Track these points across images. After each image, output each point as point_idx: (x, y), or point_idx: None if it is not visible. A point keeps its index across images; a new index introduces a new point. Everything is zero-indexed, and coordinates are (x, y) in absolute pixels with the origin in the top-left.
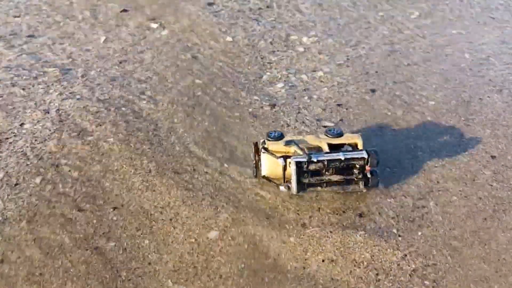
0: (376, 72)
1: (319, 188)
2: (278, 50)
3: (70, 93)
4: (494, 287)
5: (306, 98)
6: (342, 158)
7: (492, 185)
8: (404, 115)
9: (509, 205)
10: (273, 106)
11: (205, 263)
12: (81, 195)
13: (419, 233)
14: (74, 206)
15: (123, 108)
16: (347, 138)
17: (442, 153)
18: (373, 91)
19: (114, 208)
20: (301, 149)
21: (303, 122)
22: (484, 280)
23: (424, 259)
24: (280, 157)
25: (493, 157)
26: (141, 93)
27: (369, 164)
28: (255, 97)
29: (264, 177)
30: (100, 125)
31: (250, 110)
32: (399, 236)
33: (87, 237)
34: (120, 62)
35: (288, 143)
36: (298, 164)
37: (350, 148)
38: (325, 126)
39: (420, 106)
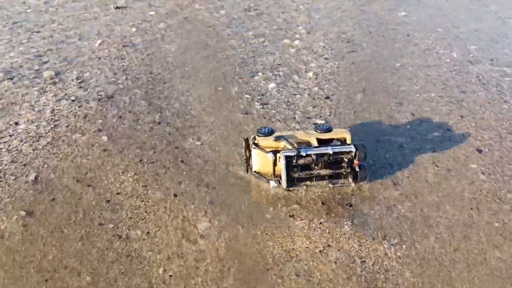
0: (368, 71)
1: (308, 182)
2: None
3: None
4: (476, 276)
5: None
6: (331, 152)
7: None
8: (393, 111)
9: (493, 197)
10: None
11: (199, 253)
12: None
13: (406, 223)
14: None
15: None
16: (336, 133)
17: (429, 147)
18: (364, 89)
19: (108, 201)
20: (291, 144)
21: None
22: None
23: (410, 247)
24: (270, 151)
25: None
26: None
27: (357, 157)
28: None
29: (255, 172)
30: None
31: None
32: (386, 226)
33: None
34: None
35: (278, 138)
36: (288, 159)
37: (338, 143)
38: (315, 124)
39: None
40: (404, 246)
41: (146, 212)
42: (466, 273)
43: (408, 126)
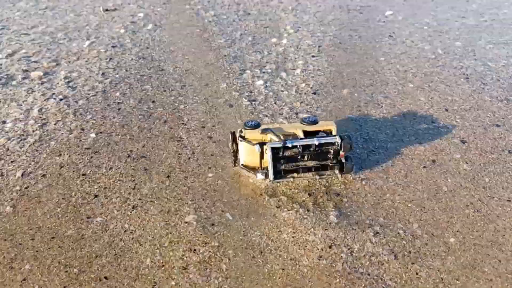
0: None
1: (295, 174)
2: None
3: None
4: (460, 258)
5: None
6: (316, 143)
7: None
8: (379, 105)
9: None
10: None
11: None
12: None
13: (391, 212)
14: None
15: None
16: (322, 125)
17: (414, 139)
18: (350, 85)
19: (96, 196)
20: (277, 136)
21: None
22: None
23: (396, 234)
24: (257, 144)
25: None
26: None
27: (342, 148)
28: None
29: (242, 165)
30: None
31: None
32: (371, 215)
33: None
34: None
35: (264, 130)
36: (274, 150)
37: (324, 135)
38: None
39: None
40: (388, 233)
41: (133, 207)
42: (446, 255)
43: (394, 119)
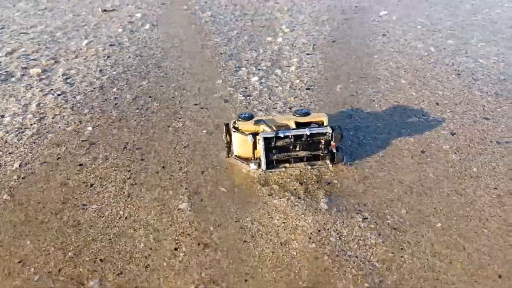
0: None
1: (287, 164)
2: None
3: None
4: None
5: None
6: (308, 133)
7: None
8: (371, 100)
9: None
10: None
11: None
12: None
13: (379, 199)
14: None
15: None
16: (314, 117)
17: (405, 131)
18: (343, 81)
19: (92, 185)
20: (269, 127)
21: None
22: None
23: (384, 220)
24: (250, 134)
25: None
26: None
27: (333, 139)
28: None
29: (236, 156)
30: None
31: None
32: (361, 202)
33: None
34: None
35: (257, 122)
36: (266, 140)
37: (316, 126)
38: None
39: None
40: (377, 219)
41: (129, 197)
42: (432, 237)
43: (385, 113)
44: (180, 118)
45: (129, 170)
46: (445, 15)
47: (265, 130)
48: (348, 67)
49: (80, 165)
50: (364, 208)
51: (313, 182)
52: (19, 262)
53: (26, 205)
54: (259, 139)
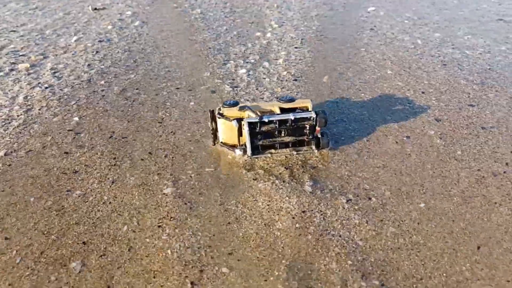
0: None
1: (273, 150)
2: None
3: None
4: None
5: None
6: (292, 118)
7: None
8: (357, 90)
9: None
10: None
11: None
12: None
13: (364, 182)
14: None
15: None
16: (298, 103)
17: (390, 118)
18: (330, 72)
19: (76, 172)
20: (254, 112)
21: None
22: (418, 220)
23: (368, 201)
24: (234, 119)
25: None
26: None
27: (317, 123)
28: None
29: (222, 143)
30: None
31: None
32: (345, 185)
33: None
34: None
35: (242, 108)
36: (251, 125)
37: (301, 111)
38: None
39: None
40: (361, 200)
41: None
42: (415, 216)
43: (371, 102)
44: (167, 109)
45: (114, 158)
46: (432, 10)
47: (250, 116)
48: (335, 60)
49: (66, 153)
50: (349, 190)
51: (298, 167)
52: (4, 240)
53: (10, 191)
54: (243, 125)
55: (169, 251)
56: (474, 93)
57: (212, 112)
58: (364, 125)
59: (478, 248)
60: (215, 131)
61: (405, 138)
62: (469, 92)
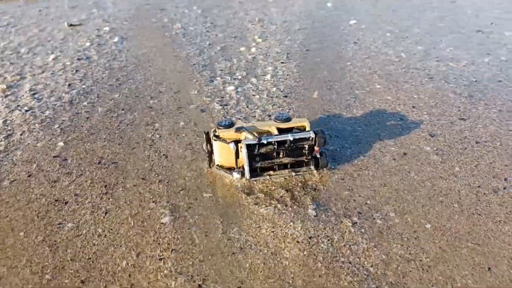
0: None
1: (271, 172)
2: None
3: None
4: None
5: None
6: (291, 139)
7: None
8: (348, 105)
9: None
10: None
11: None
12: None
13: (367, 202)
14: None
15: None
16: (295, 122)
17: (385, 134)
18: (322, 88)
19: (66, 203)
20: (251, 133)
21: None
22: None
23: (374, 223)
24: (232, 141)
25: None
26: None
27: (316, 144)
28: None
29: (218, 166)
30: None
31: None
32: (349, 207)
33: None
34: None
35: (238, 129)
36: (249, 147)
37: (298, 131)
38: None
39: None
40: (366, 223)
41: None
42: (423, 238)
43: (364, 117)
44: (156, 130)
45: (106, 185)
46: (411, 22)
47: (247, 137)
48: (323, 74)
49: (53, 181)
50: (353, 212)
51: (298, 189)
52: None
53: None
54: (241, 147)
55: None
56: (463, 106)
57: (207, 133)
58: (360, 142)
59: (489, 269)
60: (210, 154)
61: (402, 155)
62: (459, 105)
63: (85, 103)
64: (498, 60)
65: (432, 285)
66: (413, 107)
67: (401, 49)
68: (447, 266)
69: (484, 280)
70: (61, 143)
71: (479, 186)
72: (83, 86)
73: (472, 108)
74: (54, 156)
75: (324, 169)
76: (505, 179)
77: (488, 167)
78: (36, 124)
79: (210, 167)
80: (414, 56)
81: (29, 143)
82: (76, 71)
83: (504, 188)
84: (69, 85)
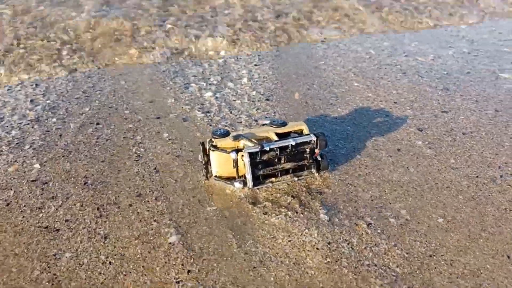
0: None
1: (273, 179)
2: None
3: None
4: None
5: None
6: (293, 143)
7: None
8: (331, 105)
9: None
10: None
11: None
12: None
13: (376, 201)
14: None
15: None
16: (292, 126)
17: (375, 131)
18: (302, 89)
19: (58, 230)
20: (251, 141)
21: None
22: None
23: (388, 222)
24: (233, 151)
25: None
26: None
27: (318, 146)
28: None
29: (216, 177)
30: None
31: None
32: (359, 207)
33: None
34: None
35: (236, 137)
36: (251, 155)
37: (296, 135)
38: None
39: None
40: (381, 222)
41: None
42: (437, 231)
43: (350, 116)
44: (139, 143)
45: (98, 208)
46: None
47: (246, 145)
48: (299, 75)
49: (38, 208)
50: (364, 213)
51: (304, 194)
52: None
53: None
54: (242, 156)
55: None
56: (442, 99)
57: (203, 144)
58: (352, 141)
59: (508, 257)
60: (206, 165)
61: (396, 151)
62: (437, 98)
63: (54, 120)
64: (461, 52)
65: (459, 278)
66: (395, 102)
67: (368, 45)
68: (469, 258)
69: (507, 268)
70: (37, 165)
71: (477, 176)
72: (48, 101)
73: (450, 100)
74: (32, 180)
75: (325, 171)
76: (499, 167)
77: (480, 156)
78: (4, 147)
79: (207, 179)
80: (383, 52)
81: (0, 168)
82: (36, 85)
83: (501, 176)
84: (31, 101)
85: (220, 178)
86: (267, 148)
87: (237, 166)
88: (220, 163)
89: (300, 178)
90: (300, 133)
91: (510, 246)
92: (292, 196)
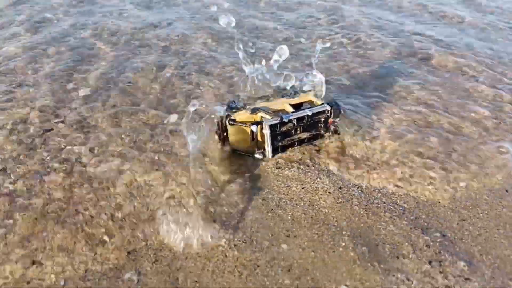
0: None
1: (290, 148)
2: None
3: None
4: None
5: None
6: (310, 114)
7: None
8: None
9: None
10: None
11: None
12: None
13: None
14: None
15: None
16: (304, 97)
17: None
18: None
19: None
20: (269, 113)
21: None
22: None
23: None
24: (253, 124)
25: None
26: None
27: (333, 115)
28: None
29: (234, 149)
30: None
31: None
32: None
33: None
34: None
35: (254, 110)
36: (271, 127)
37: (309, 106)
38: None
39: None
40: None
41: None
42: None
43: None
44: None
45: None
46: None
47: (264, 118)
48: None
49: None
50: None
51: (314, 151)
52: None
53: None
54: (264, 128)
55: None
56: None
57: (221, 120)
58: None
59: None
60: (225, 139)
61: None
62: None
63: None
64: None
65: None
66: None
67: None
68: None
69: None
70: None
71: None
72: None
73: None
74: None
75: (337, 135)
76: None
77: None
78: None
79: (225, 149)
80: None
81: None
82: None
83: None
84: None
85: (238, 150)
86: (286, 120)
87: (256, 139)
88: (238, 136)
89: (314, 144)
90: (311, 103)
91: None
92: (303, 153)
